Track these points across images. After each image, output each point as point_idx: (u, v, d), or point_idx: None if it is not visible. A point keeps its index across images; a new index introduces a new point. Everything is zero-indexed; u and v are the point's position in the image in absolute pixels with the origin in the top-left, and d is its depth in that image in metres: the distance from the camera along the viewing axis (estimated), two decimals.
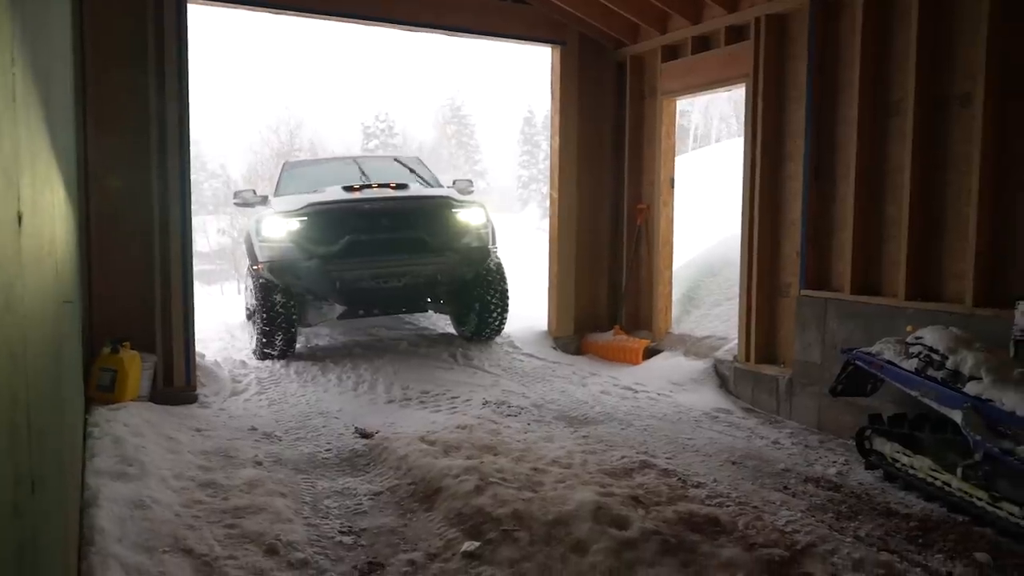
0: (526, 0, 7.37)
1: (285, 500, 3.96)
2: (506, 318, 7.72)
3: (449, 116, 58.15)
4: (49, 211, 2.14)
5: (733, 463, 4.70)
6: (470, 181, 8.44)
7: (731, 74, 6.54)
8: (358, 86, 69.06)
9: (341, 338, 8.22)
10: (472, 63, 73.27)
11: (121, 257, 5.62)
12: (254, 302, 7.18)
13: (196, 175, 45.57)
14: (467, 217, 7.21)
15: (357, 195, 7.03)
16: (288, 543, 3.37)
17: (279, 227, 6.93)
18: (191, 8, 5.99)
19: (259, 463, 4.53)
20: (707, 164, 17.28)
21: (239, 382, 6.50)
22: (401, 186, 7.33)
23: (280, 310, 7.00)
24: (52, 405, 1.89)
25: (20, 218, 1.27)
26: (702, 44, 6.96)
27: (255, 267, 7.16)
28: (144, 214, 5.68)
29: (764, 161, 6.09)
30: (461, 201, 7.32)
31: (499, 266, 7.67)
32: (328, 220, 6.83)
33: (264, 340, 7.07)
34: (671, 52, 7.36)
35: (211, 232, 39.60)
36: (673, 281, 7.75)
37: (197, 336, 6.24)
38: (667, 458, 4.71)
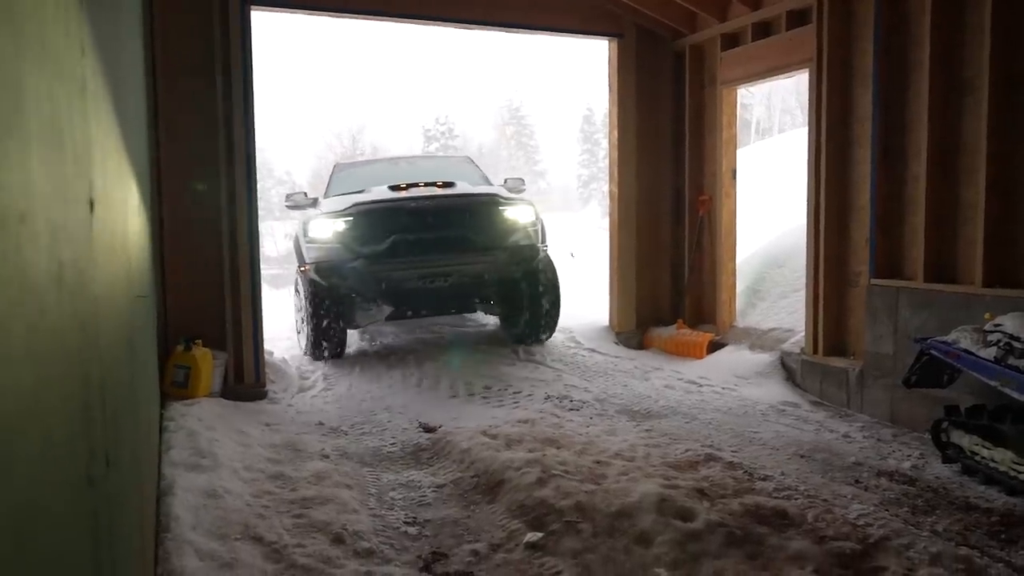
0: None
1: (351, 492, 4.04)
2: (557, 319, 7.54)
3: (508, 117, 58.38)
4: (121, 207, 2.22)
5: (801, 456, 4.59)
6: (521, 180, 8.26)
7: (793, 59, 6.38)
8: (419, 90, 69.91)
9: (405, 336, 8.33)
10: (530, 63, 73.36)
11: (193, 260, 5.81)
12: (303, 303, 7.23)
13: (263, 182, 46.93)
14: (515, 215, 7.09)
15: (403, 194, 6.97)
16: (354, 532, 3.43)
17: (325, 228, 6.92)
18: (255, 15, 6.17)
19: (326, 456, 4.63)
20: (770, 155, 16.90)
21: (306, 379, 6.65)
22: (448, 184, 7.24)
23: (327, 311, 7.02)
24: (126, 392, 1.97)
25: (92, 204, 1.33)
26: (762, 30, 6.81)
27: (302, 268, 7.19)
28: (213, 219, 5.86)
29: (830, 146, 5.92)
30: (509, 199, 7.20)
31: (549, 265, 7.49)
32: (373, 220, 6.79)
33: (313, 341, 7.13)
34: (731, 40, 7.22)
35: (279, 237, 40.69)
36: (737, 273, 7.60)
37: (266, 335, 6.43)
38: (733, 451, 4.62)
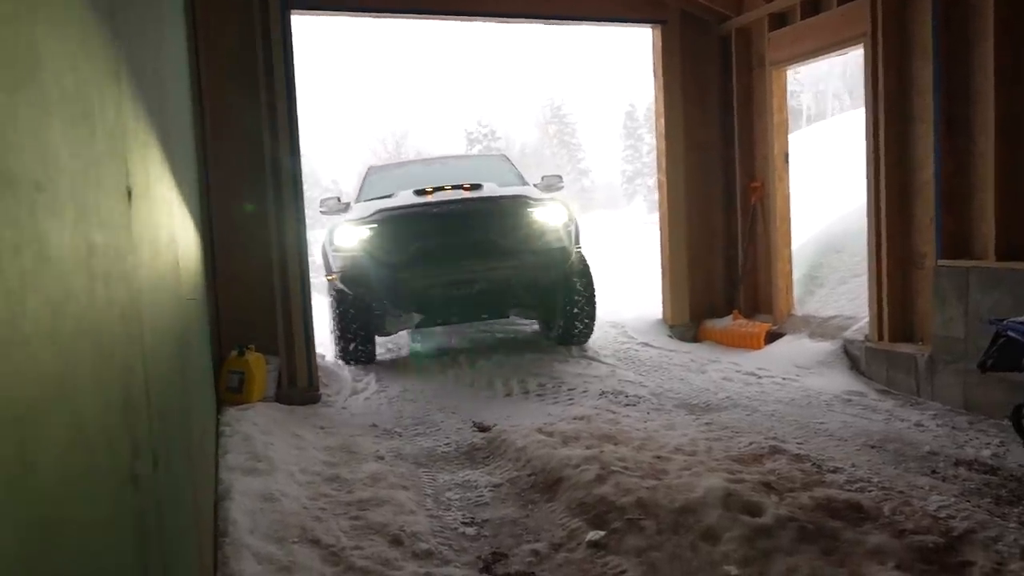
0: None
1: (407, 493, 3.98)
2: (594, 321, 7.26)
3: (549, 116, 58.21)
4: (166, 207, 2.20)
5: (872, 447, 4.39)
6: (559, 176, 7.99)
7: (846, 35, 6.15)
8: (461, 92, 70.21)
9: (457, 336, 8.28)
10: (570, 62, 73.12)
11: (244, 268, 5.84)
12: (330, 311, 7.12)
13: (310, 190, 47.66)
14: (545, 216, 6.79)
15: (428, 199, 6.77)
16: (412, 534, 3.37)
17: (350, 236, 6.77)
18: (297, 19, 6.19)
19: (381, 457, 4.59)
20: (822, 139, 16.47)
21: (359, 381, 6.64)
22: (475, 187, 6.99)
23: (352, 320, 6.92)
24: (177, 392, 1.93)
25: (130, 194, 1.27)
26: (812, 7, 6.58)
27: (329, 277, 7.06)
28: (262, 226, 5.88)
29: (888, 123, 5.68)
30: (539, 199, 6.93)
31: (584, 267, 7.17)
32: (397, 227, 6.62)
33: (339, 348, 7.05)
34: (779, 20, 7.01)
35: None
36: (793, 260, 7.37)
37: (318, 339, 6.44)
38: (798, 443, 4.44)
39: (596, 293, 7.24)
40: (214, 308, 5.72)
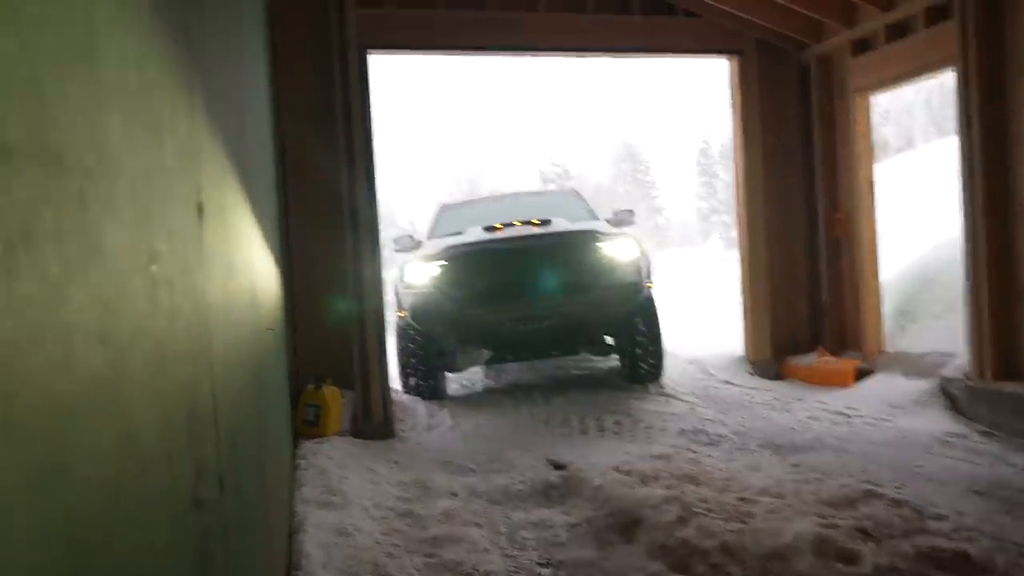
0: (696, 13, 7.11)
1: (481, 531, 3.89)
2: (661, 361, 7.02)
3: (623, 154, 58.22)
4: (242, 233, 2.21)
5: (978, 493, 4.06)
6: (631, 211, 7.87)
7: (935, 58, 5.90)
8: (535, 132, 71.06)
9: (530, 373, 8.19)
10: (643, 98, 73.23)
11: (321, 303, 5.92)
12: (400, 348, 7.11)
13: (386, 229, 48.73)
14: (615, 251, 6.68)
15: (497, 235, 6.77)
16: (486, 573, 3.27)
17: (420, 273, 6.80)
18: (375, 60, 6.36)
19: (454, 494, 4.51)
20: (909, 169, 15.87)
21: (433, 417, 6.61)
22: (544, 222, 6.95)
23: (421, 355, 6.92)
24: (249, 418, 1.90)
25: (201, 209, 1.26)
26: (897, 32, 6.36)
27: (400, 313, 7.08)
28: (339, 263, 5.96)
29: (984, 145, 5.38)
30: (608, 234, 6.83)
31: (648, 305, 6.94)
32: (466, 263, 6.64)
33: (407, 382, 7.04)
34: (861, 45, 6.80)
35: None
36: (882, 294, 7.03)
37: (394, 375, 6.46)
38: (895, 487, 4.15)
39: (661, 332, 7.02)
40: (291, 342, 5.81)
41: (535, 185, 53.10)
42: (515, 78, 78.54)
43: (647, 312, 6.90)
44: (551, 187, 51.41)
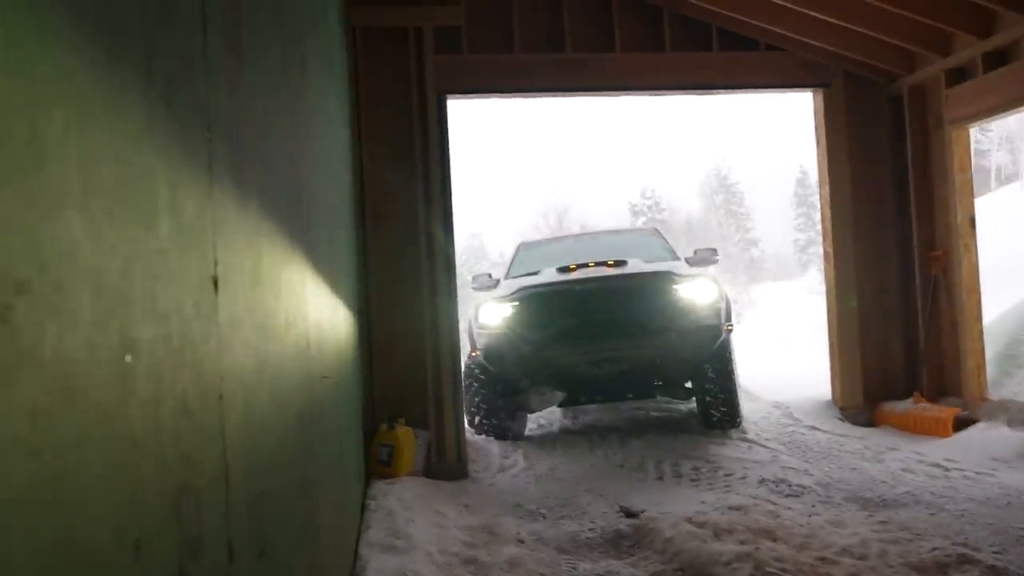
0: (780, 47, 6.95)
1: None
2: (735, 406, 6.71)
3: (716, 186, 57.23)
4: (292, 291, 2.26)
5: None
6: (713, 250, 7.70)
7: None
8: (625, 164, 70.91)
9: (609, 414, 8.06)
10: (736, 128, 72.05)
11: (398, 343, 6.02)
12: (473, 389, 7.06)
13: (479, 264, 49.40)
14: (692, 293, 6.52)
15: (571, 276, 6.73)
16: None
17: (493, 313, 6.82)
18: (453, 103, 6.49)
19: (521, 541, 4.45)
20: (1017, 201, 14.93)
21: (507, 458, 6.57)
22: (620, 263, 6.89)
23: (488, 397, 6.89)
24: (284, 472, 1.92)
25: (216, 281, 1.29)
26: (996, 60, 6.03)
27: (473, 353, 7.05)
28: (416, 302, 6.06)
29: None
30: (685, 275, 6.69)
31: (722, 348, 6.64)
32: (539, 304, 6.63)
33: (474, 423, 7.01)
34: (957, 75, 6.47)
35: None
36: (985, 337, 6.58)
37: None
38: (994, 552, 3.83)
39: (735, 377, 6.74)
40: (369, 383, 5.93)
41: (625, 219, 52.80)
42: (605, 109, 78.71)
43: (718, 358, 6.66)
44: (641, 220, 51.05)
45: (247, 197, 1.63)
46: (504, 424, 7.03)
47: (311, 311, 2.65)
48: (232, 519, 1.32)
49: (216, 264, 1.30)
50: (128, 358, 0.87)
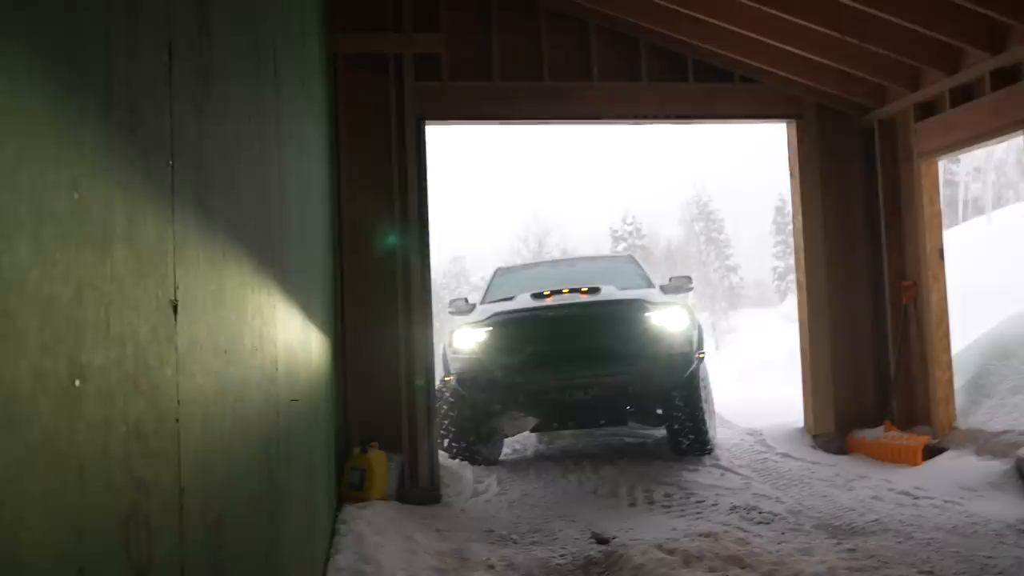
0: (754, 79, 7.08)
1: None
2: (703, 434, 6.73)
3: (696, 213, 57.73)
4: (261, 315, 2.27)
5: None
6: (688, 278, 7.74)
7: (1003, 122, 5.70)
8: (606, 190, 71.43)
9: (583, 439, 8.07)
10: (716, 156, 72.93)
11: (373, 367, 6.01)
12: (445, 411, 7.05)
13: (460, 287, 49.34)
14: (663, 321, 6.58)
15: (545, 302, 6.79)
16: None
17: (467, 338, 6.83)
18: (435, 127, 6.55)
19: (491, 567, 4.43)
20: (985, 233, 15.22)
21: (481, 483, 6.55)
22: (593, 290, 6.94)
23: (460, 421, 6.88)
24: (246, 495, 1.92)
25: (175, 307, 1.30)
26: (963, 95, 6.18)
27: (447, 378, 7.06)
28: (391, 328, 6.06)
29: None
30: (657, 303, 6.76)
31: (692, 376, 6.69)
32: (511, 330, 6.67)
33: (448, 447, 6.99)
34: (926, 109, 6.63)
35: None
36: (954, 367, 6.68)
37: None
38: None
39: (703, 406, 6.75)
40: (342, 406, 5.91)
41: (606, 243, 53.08)
42: (586, 134, 79.43)
43: (687, 385, 6.69)
44: (622, 245, 51.31)
45: (212, 222, 1.64)
46: (476, 448, 7.01)
47: (280, 335, 2.65)
48: (187, 544, 1.32)
49: (176, 289, 1.32)
50: (77, 383, 0.89)
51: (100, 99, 1.02)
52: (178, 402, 1.30)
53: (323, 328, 4.65)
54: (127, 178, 1.11)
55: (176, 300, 1.31)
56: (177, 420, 1.29)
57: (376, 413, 5.98)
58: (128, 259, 1.08)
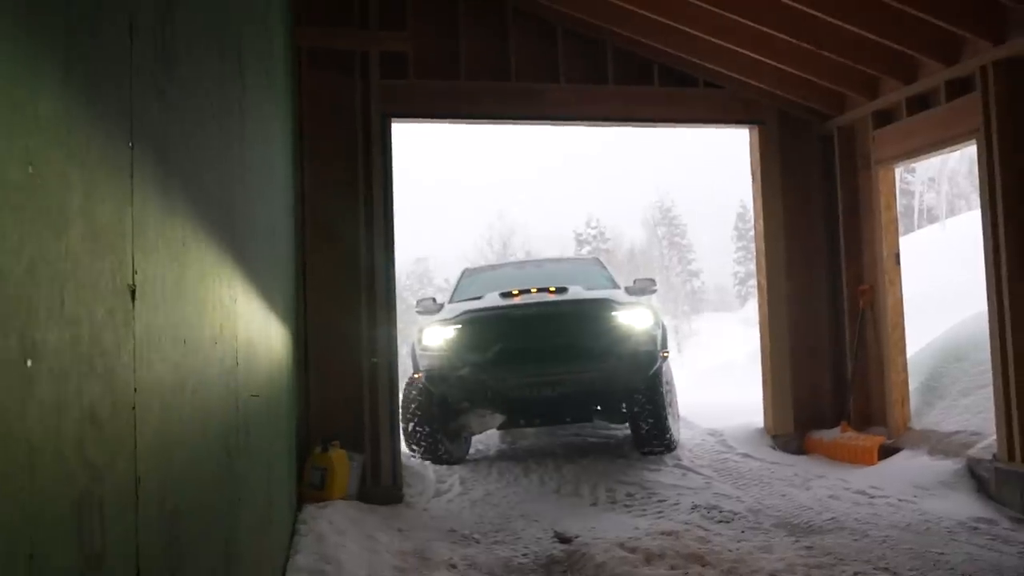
0: (718, 84, 7.17)
1: None
2: (665, 432, 6.84)
3: (659, 217, 58.27)
4: (222, 306, 2.23)
5: None
6: (651, 280, 7.97)
7: (957, 131, 5.85)
8: (570, 191, 71.71)
9: (545, 438, 8.07)
10: (678, 162, 73.70)
11: (336, 366, 5.94)
12: (411, 409, 7.03)
13: (424, 288, 49.08)
14: (630, 320, 6.73)
15: (513, 301, 6.90)
16: None
17: (436, 336, 6.89)
18: (400, 126, 6.51)
19: (453, 566, 4.41)
20: (939, 239, 15.61)
21: (443, 482, 6.52)
22: (561, 290, 7.07)
23: (427, 419, 6.88)
24: (205, 489, 1.88)
25: (133, 292, 1.27)
26: (919, 104, 6.33)
27: (415, 375, 7.11)
28: (354, 326, 6.01)
29: (1009, 223, 5.28)
30: (623, 303, 6.92)
31: (656, 375, 6.82)
32: (480, 328, 6.76)
33: (418, 446, 6.98)
34: (883, 117, 6.77)
35: None
36: (909, 369, 6.83)
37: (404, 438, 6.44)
38: None
39: (666, 404, 6.85)
40: (305, 405, 5.83)
41: (570, 246, 53.31)
42: (552, 137, 79.69)
43: (650, 385, 6.79)
44: (586, 249, 51.59)
45: (172, 209, 1.61)
46: (443, 446, 6.99)
47: (241, 329, 2.61)
48: (142, 533, 1.29)
49: (134, 274, 1.28)
50: (29, 362, 0.86)
51: (58, 72, 0.99)
52: (135, 389, 1.27)
53: (285, 324, 4.59)
54: (84, 156, 1.08)
55: (134, 285, 1.28)
56: (134, 408, 1.26)
57: (338, 411, 5.91)
58: (85, 238, 1.05)
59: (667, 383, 7.06)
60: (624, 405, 7.03)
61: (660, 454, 6.85)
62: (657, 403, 6.79)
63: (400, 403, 6.57)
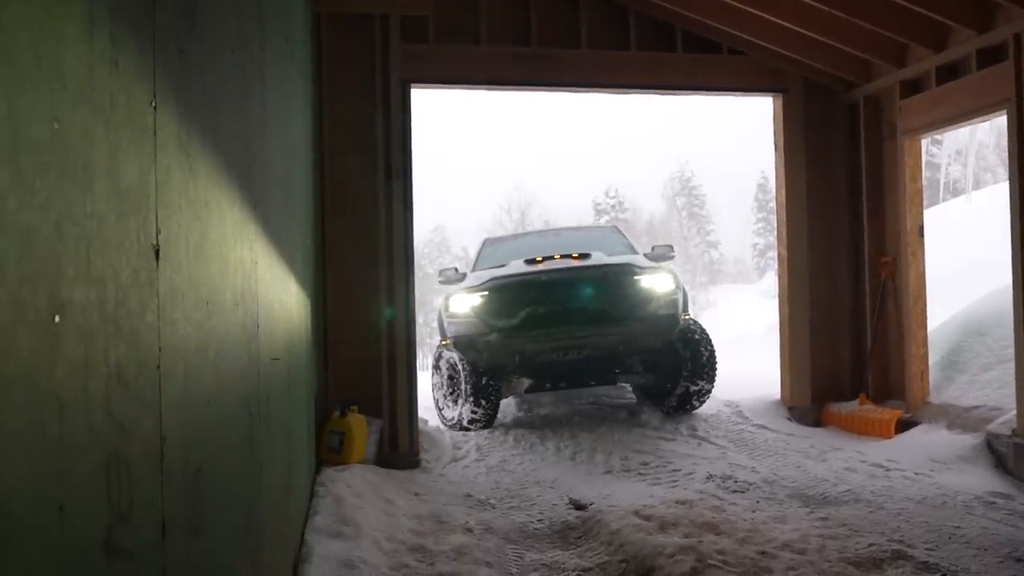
0: (742, 51, 7.05)
1: (490, 570, 3.83)
2: (705, 389, 7.18)
3: (679, 188, 57.78)
4: (244, 269, 2.23)
5: (1018, 560, 3.84)
6: (670, 247, 8.16)
7: (986, 102, 5.71)
8: (589, 161, 71.21)
9: (562, 406, 8.11)
10: (699, 132, 72.85)
11: (355, 332, 5.98)
12: (443, 377, 7.40)
13: (441, 257, 49.18)
14: (651, 284, 6.93)
15: (537, 267, 7.05)
16: None
17: (463, 303, 7.10)
18: (418, 93, 6.46)
19: (469, 530, 4.46)
20: (964, 213, 15.38)
21: (459, 448, 6.58)
22: (584, 256, 7.24)
23: (468, 383, 7.08)
24: (227, 450, 1.90)
25: (157, 252, 1.27)
26: (948, 73, 6.19)
27: (443, 342, 7.38)
28: (372, 292, 6.03)
29: None
30: (645, 268, 7.09)
31: (692, 332, 7.17)
32: (507, 294, 6.92)
33: (452, 412, 7.23)
34: (911, 87, 6.63)
35: None
36: (929, 343, 6.77)
37: (422, 406, 6.52)
38: (927, 549, 3.96)
39: (705, 362, 7.15)
40: (324, 369, 5.88)
41: (588, 216, 53.06)
42: (571, 105, 78.95)
43: (691, 339, 7.13)
44: (604, 219, 51.32)
45: (194, 169, 1.60)
46: (480, 409, 7.15)
47: (261, 292, 2.62)
48: (167, 492, 1.30)
49: (158, 233, 1.28)
50: (57, 318, 0.86)
51: (80, 27, 0.99)
52: (159, 349, 1.27)
53: (304, 288, 4.61)
54: (109, 113, 1.07)
55: (158, 245, 1.28)
56: (158, 367, 1.27)
57: (355, 377, 5.96)
58: (110, 197, 1.05)
59: (705, 344, 7.23)
60: (649, 367, 7.28)
61: (692, 410, 7.16)
62: (700, 356, 7.08)
63: (431, 368, 6.79)
